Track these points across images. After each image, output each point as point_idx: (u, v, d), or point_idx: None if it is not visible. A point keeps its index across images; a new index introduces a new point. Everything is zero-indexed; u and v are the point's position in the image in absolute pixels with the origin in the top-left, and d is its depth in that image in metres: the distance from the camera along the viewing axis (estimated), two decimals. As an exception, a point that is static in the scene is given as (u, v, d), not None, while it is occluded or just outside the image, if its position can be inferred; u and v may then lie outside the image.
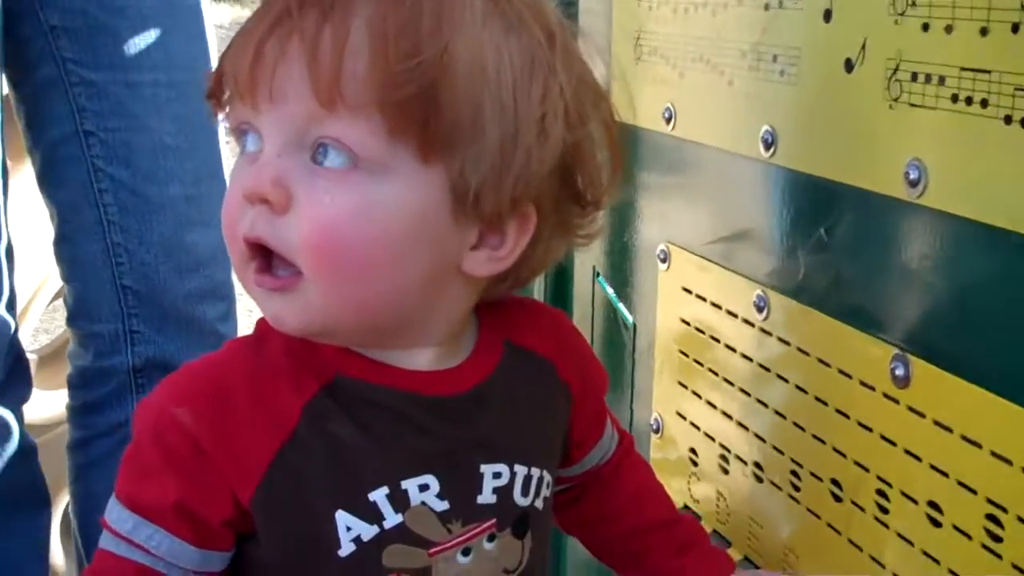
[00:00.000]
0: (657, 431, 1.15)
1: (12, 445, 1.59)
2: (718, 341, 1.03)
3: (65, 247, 1.62)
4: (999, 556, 0.73)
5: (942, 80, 0.72)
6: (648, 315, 1.15)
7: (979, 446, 0.74)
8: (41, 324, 2.93)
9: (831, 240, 0.87)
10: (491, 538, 0.78)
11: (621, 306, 1.21)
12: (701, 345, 1.05)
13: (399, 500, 0.75)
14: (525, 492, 0.80)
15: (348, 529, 0.74)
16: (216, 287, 1.64)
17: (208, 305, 1.64)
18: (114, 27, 1.48)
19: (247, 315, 1.88)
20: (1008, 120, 0.68)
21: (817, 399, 0.90)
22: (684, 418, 1.10)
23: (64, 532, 2.04)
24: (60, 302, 1.95)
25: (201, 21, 1.58)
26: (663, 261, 1.11)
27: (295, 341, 0.76)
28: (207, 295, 1.64)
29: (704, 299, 1.04)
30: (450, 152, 0.68)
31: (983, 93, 0.70)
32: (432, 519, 0.76)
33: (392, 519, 0.75)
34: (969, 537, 0.75)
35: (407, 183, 0.68)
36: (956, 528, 0.76)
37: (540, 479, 0.81)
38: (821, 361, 0.89)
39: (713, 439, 1.05)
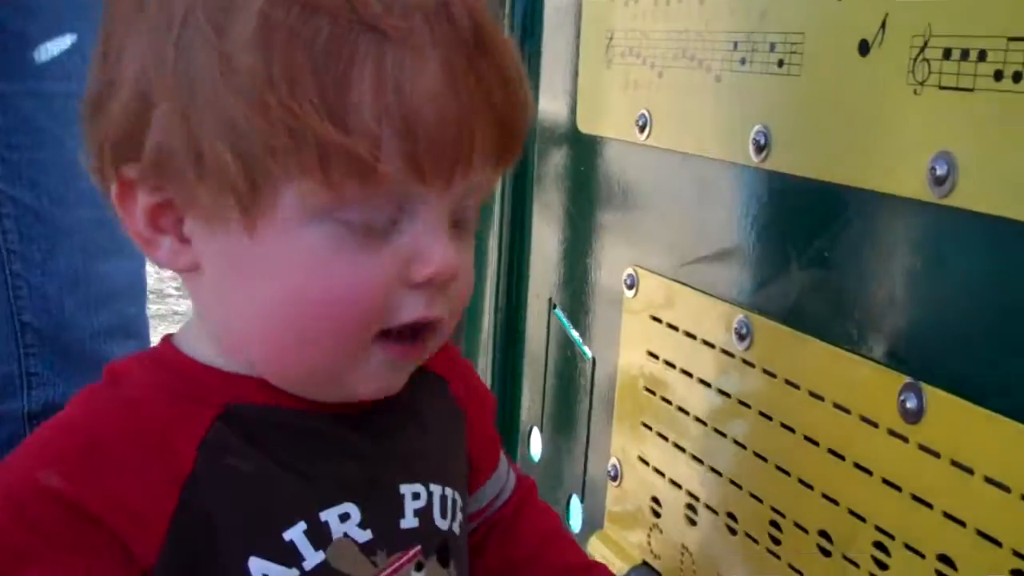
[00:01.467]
0: (615, 478, 1.03)
1: None
2: (690, 375, 0.91)
3: None
4: (1030, 620, 0.61)
5: (983, 55, 0.62)
6: (610, 349, 1.03)
7: (1007, 489, 0.63)
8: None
9: (831, 254, 0.76)
10: (419, 567, 0.67)
11: (579, 339, 1.09)
12: (670, 380, 0.94)
13: (319, 535, 0.64)
14: (443, 514, 0.69)
15: (256, 571, 0.62)
16: (127, 323, 1.49)
17: (117, 344, 1.49)
18: (23, 30, 1.33)
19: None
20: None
21: (806, 438, 0.78)
22: (647, 463, 0.98)
23: None
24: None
25: None
26: (630, 287, 0.99)
27: (164, 375, 0.65)
28: (117, 332, 1.48)
29: (676, 328, 0.93)
30: None
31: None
32: (355, 552, 0.65)
33: (312, 558, 0.63)
34: (991, 595, 0.64)
35: None
36: (975, 586, 0.65)
37: (454, 501, 0.71)
38: (813, 394, 0.77)
39: (680, 486, 0.93)
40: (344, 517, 0.65)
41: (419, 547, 0.67)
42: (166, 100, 0.60)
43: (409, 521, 0.67)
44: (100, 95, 0.66)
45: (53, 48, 1.35)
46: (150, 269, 1.59)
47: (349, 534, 0.65)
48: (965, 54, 0.63)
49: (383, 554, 0.65)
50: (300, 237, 0.60)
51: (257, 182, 0.59)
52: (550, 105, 1.13)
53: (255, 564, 0.62)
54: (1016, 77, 0.60)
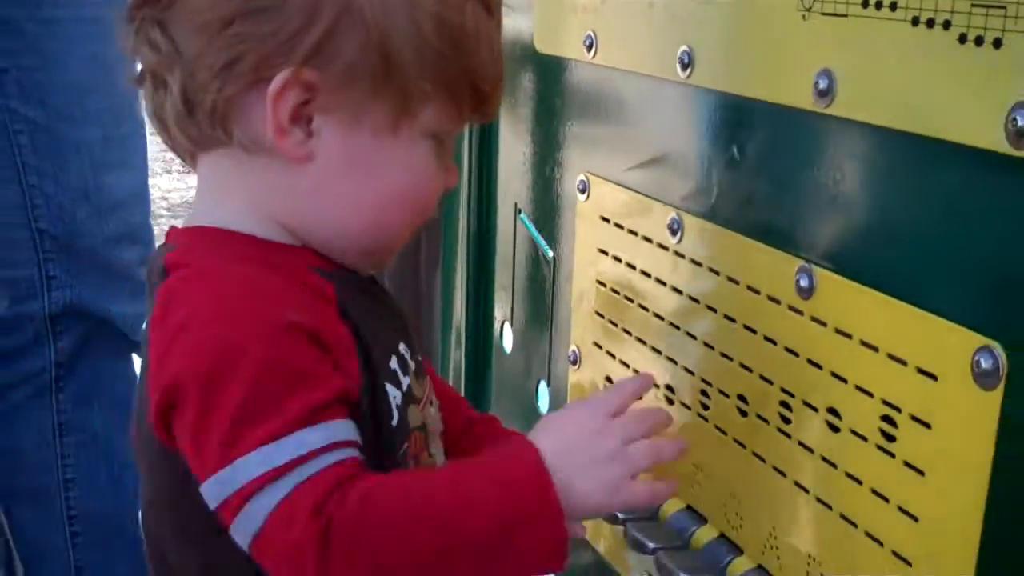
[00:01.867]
0: (575, 363, 1.16)
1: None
2: (634, 268, 1.04)
3: None
4: (892, 455, 0.74)
5: (850, -15, 0.73)
6: (568, 248, 1.16)
7: (876, 349, 0.75)
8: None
9: (743, 158, 0.88)
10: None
11: (542, 241, 1.22)
12: (618, 274, 1.06)
13: (403, 364, 0.83)
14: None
15: (392, 398, 0.80)
16: (134, 230, 1.62)
17: (126, 248, 1.62)
18: None
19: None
20: (915, 22, 0.69)
21: (726, 317, 0.91)
22: (600, 347, 1.11)
23: None
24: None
25: None
26: (582, 192, 1.11)
27: (252, 249, 0.79)
28: (124, 238, 1.61)
29: (621, 227, 1.05)
30: None
31: (887, -2, 0.71)
32: (416, 377, 0.85)
33: (404, 382, 0.82)
34: (865, 440, 0.77)
35: None
36: (853, 432, 0.78)
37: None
38: (731, 279, 0.90)
39: (628, 366, 1.06)
40: (406, 349, 0.84)
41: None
42: (368, 20, 0.75)
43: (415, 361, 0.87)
44: (269, 6, 0.75)
45: None
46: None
47: (410, 362, 0.84)
48: (837, -15, 0.74)
49: (424, 380, 0.86)
50: (419, 146, 0.80)
51: (417, 100, 0.78)
52: (511, 27, 1.24)
53: (388, 388, 0.80)
54: (878, 5, 0.71)
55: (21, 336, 1.60)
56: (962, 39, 0.66)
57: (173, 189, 5.52)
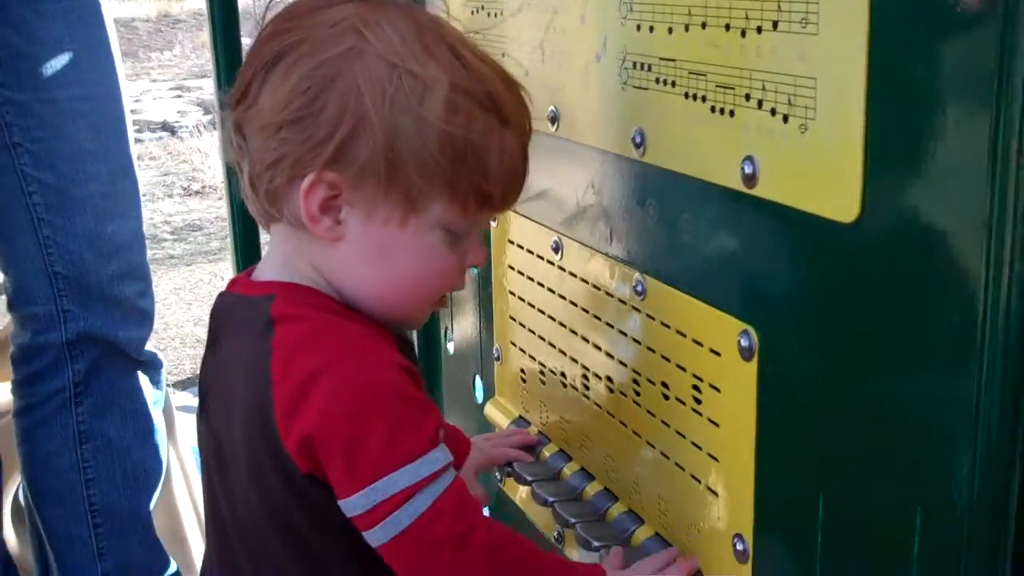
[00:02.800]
0: (499, 359, 1.42)
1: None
2: (532, 280, 1.29)
3: (1, 243, 1.88)
4: (700, 414, 1.00)
5: (648, 67, 0.99)
6: (488, 266, 1.41)
7: (685, 336, 1.01)
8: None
9: (600, 194, 1.13)
10: None
11: (469, 260, 1.47)
12: (522, 284, 1.32)
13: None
14: None
15: None
16: (134, 268, 1.91)
17: (127, 284, 1.91)
18: (34, 54, 1.75)
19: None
20: (686, 96, 0.95)
21: (595, 316, 1.16)
22: (515, 345, 1.36)
23: (16, 518, 2.26)
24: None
25: (106, 36, 1.85)
26: (493, 220, 1.37)
27: (332, 302, 1.00)
28: (126, 275, 1.91)
29: (521, 247, 1.30)
30: None
31: (672, 76, 0.96)
32: None
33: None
34: (684, 403, 1.02)
35: None
36: (678, 399, 1.03)
37: None
38: (595, 286, 1.15)
39: (535, 358, 1.31)
40: None
41: None
42: (376, 132, 0.91)
43: None
44: (305, 117, 0.94)
45: (56, 64, 1.75)
46: (145, 217, 2.01)
47: None
48: (643, 66, 1.00)
49: None
50: (428, 237, 0.97)
51: (422, 199, 0.95)
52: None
53: None
54: (667, 83, 0.97)
55: (43, 361, 1.90)
56: (712, 109, 0.91)
57: (175, 213, 5.80)
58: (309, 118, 0.93)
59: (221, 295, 1.07)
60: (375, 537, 0.93)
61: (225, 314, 1.05)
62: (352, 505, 0.92)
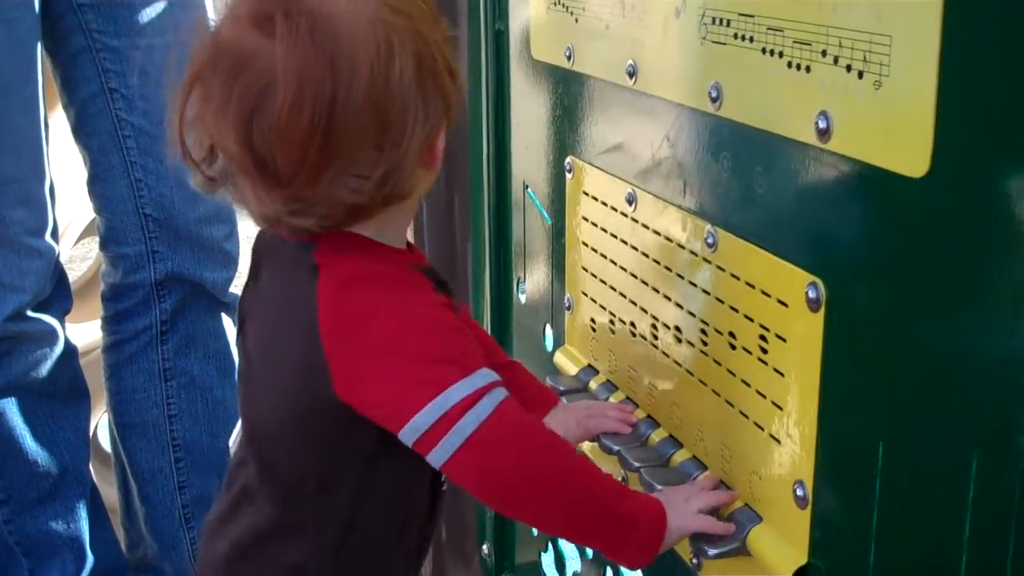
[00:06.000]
0: (569, 308, 1.45)
1: (59, 347, 1.93)
2: (605, 231, 1.32)
3: (97, 185, 1.96)
4: (766, 363, 1.02)
5: (727, 22, 1.01)
6: (560, 216, 1.45)
7: (753, 287, 1.03)
8: (76, 253, 3.27)
9: (674, 146, 1.16)
10: None
11: (544, 212, 1.51)
12: (595, 236, 1.35)
13: None
14: None
15: None
16: (220, 211, 1.97)
17: (214, 227, 1.97)
18: (130, 2, 1.80)
19: (247, 241, 2.20)
20: (763, 51, 0.97)
21: (666, 268, 1.19)
22: (586, 295, 1.40)
23: (94, 454, 2.33)
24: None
25: None
26: (569, 172, 1.40)
27: (374, 248, 1.06)
28: (213, 218, 1.97)
29: (595, 198, 1.33)
30: None
31: (750, 31, 0.98)
32: None
33: None
34: (750, 352, 1.05)
35: None
36: (744, 349, 1.06)
37: None
38: (667, 239, 1.18)
39: (605, 308, 1.35)
40: None
41: None
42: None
43: None
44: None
45: (151, 12, 1.81)
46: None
47: None
48: (722, 21, 1.02)
49: None
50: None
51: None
52: (516, 39, 1.52)
53: None
54: (745, 38, 0.99)
55: (133, 300, 1.98)
56: (789, 65, 0.93)
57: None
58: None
59: (261, 232, 1.14)
60: (442, 452, 0.96)
61: (268, 249, 1.12)
62: (414, 427, 0.96)
